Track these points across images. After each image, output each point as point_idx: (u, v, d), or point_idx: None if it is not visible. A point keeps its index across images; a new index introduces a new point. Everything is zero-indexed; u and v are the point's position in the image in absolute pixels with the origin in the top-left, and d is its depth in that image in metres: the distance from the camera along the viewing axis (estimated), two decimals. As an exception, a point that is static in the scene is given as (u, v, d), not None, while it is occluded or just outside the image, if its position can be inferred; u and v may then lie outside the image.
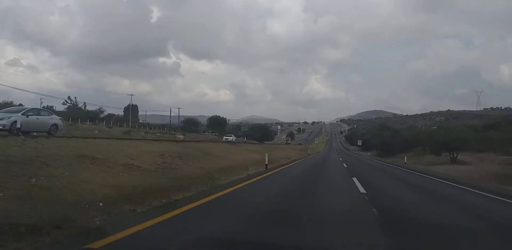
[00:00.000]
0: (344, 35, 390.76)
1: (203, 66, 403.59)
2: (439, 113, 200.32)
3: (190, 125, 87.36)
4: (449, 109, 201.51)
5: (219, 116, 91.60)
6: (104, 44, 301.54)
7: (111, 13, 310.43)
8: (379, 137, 58.91)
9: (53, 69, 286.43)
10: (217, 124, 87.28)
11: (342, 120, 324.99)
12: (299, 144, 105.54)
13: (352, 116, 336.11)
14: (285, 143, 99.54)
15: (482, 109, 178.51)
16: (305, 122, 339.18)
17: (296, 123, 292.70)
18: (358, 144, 71.76)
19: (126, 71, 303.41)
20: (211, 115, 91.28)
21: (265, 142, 74.74)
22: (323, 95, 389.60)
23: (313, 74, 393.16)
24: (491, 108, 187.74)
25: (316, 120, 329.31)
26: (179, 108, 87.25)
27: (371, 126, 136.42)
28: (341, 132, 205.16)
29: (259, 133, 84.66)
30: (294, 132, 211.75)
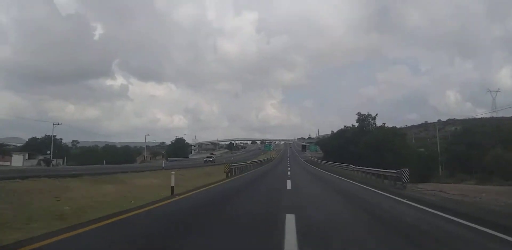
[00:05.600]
0: (297, 56, 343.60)
1: (153, 89, 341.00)
2: (445, 122, 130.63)
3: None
4: (451, 118, 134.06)
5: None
6: (42, 64, 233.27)
7: (50, 29, 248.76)
8: None
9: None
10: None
11: (300, 139, 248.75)
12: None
13: (312, 139, 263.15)
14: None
15: (495, 116, 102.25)
16: (254, 142, 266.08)
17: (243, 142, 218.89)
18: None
19: (69, 94, 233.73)
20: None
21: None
22: (279, 120, 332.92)
23: (268, 99, 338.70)
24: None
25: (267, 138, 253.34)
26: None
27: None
28: (304, 146, 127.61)
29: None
30: (222, 151, 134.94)
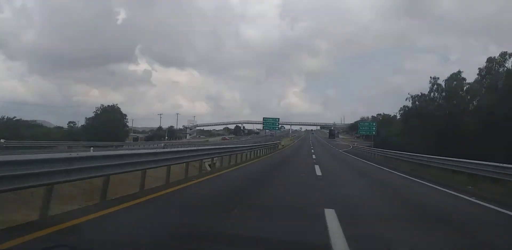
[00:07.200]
0: (322, 43, 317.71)
1: (175, 75, 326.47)
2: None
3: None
4: None
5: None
6: (67, 48, 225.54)
7: (73, 13, 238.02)
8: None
9: (14, 75, 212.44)
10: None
11: (324, 127, 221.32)
12: None
13: (337, 125, 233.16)
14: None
15: None
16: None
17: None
18: None
19: (92, 78, 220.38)
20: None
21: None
22: (301, 108, 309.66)
23: (291, 86, 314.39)
24: None
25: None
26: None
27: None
28: (332, 131, 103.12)
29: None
30: (223, 135, 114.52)
